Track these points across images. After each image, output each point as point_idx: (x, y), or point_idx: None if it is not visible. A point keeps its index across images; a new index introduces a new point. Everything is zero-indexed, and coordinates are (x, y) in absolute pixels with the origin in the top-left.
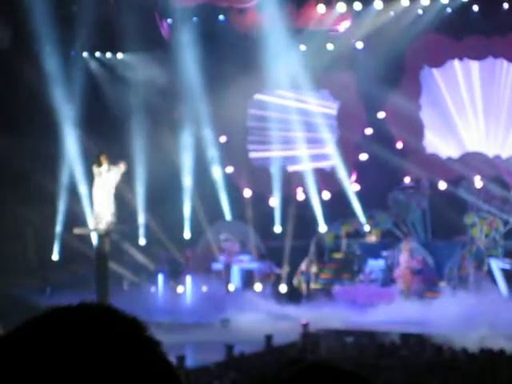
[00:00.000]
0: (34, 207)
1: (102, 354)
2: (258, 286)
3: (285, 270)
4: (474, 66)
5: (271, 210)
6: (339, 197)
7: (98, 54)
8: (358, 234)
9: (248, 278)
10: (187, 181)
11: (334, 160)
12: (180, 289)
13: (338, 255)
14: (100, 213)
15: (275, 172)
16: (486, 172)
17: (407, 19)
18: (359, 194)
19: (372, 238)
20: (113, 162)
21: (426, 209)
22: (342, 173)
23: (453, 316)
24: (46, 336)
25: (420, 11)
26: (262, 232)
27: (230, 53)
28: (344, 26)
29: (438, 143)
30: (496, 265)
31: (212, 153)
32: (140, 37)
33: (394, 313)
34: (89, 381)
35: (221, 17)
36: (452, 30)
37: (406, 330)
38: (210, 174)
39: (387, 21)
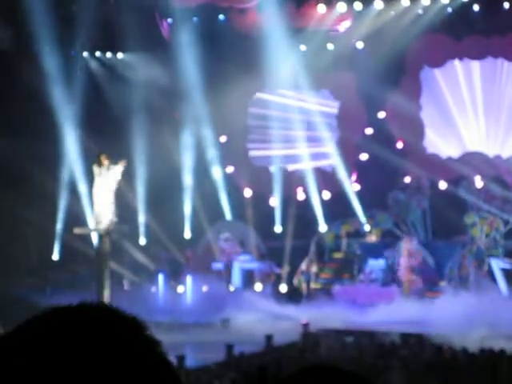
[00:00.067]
0: (34, 207)
1: (101, 353)
2: (258, 286)
3: (285, 270)
4: (475, 65)
5: (271, 209)
6: (339, 197)
7: (98, 53)
8: (359, 233)
9: (248, 278)
10: (188, 180)
11: (335, 160)
12: (180, 288)
13: (338, 255)
14: (100, 212)
15: (275, 172)
16: (486, 172)
17: (407, 19)
18: (359, 194)
19: (372, 238)
20: (113, 161)
21: (426, 209)
22: (342, 173)
23: (453, 316)
24: (46, 336)
25: (420, 11)
26: (263, 232)
27: (231, 53)
28: (344, 25)
29: (439, 143)
30: (496, 264)
31: (212, 153)
32: (140, 37)
33: (394, 313)
34: (89, 381)
35: (221, 17)
36: (452, 29)
37: (405, 330)
38: (211, 174)
39: (387, 21)
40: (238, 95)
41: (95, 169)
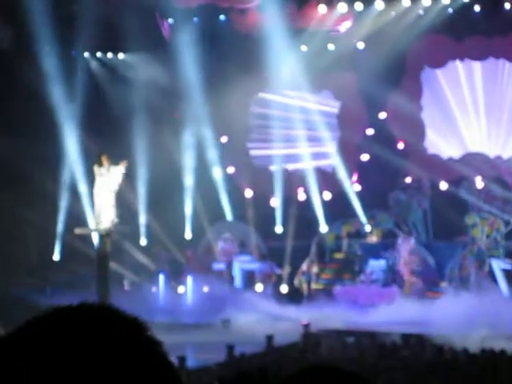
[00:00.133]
0: (34, 207)
1: (102, 354)
2: (259, 287)
3: (286, 271)
4: (477, 66)
5: (272, 210)
6: (340, 197)
7: (99, 54)
8: (359, 234)
9: (249, 279)
10: (188, 181)
11: (335, 160)
12: (181, 289)
13: (338, 255)
14: (101, 213)
15: (276, 172)
16: (487, 172)
17: (408, 19)
18: (360, 195)
19: (373, 239)
20: (114, 162)
21: (427, 209)
22: (343, 173)
23: (454, 316)
24: (47, 336)
25: (421, 12)
26: (263, 232)
27: (231, 53)
28: (345, 26)
29: (440, 143)
30: (497, 265)
31: (213, 153)
32: (141, 37)
33: (395, 313)
34: (90, 381)
35: (222, 17)
36: (453, 30)
37: (406, 331)
38: (211, 174)
39: (388, 21)
40: (238, 96)
41: (96, 169)
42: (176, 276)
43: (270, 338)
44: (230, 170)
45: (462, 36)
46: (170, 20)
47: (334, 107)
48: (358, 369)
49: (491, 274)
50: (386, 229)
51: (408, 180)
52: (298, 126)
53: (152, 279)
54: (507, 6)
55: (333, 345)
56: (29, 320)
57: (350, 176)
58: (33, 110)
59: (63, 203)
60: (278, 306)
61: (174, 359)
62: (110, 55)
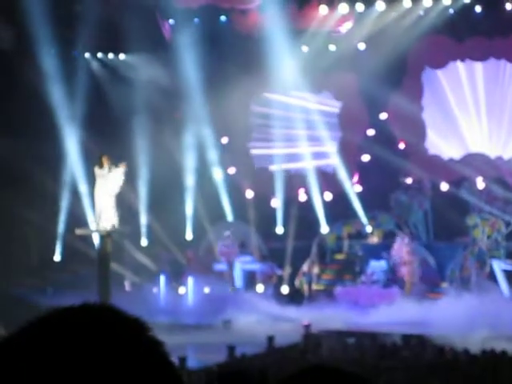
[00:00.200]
0: (35, 207)
1: (104, 354)
2: (259, 287)
3: (287, 271)
4: (478, 66)
5: (273, 210)
6: (341, 198)
7: (99, 54)
8: (360, 234)
9: (250, 279)
10: (189, 181)
11: (336, 161)
12: (182, 290)
13: (339, 256)
14: (102, 213)
15: (277, 173)
16: (487, 173)
17: (409, 20)
18: (361, 195)
19: (374, 239)
20: (115, 162)
21: (427, 210)
22: (343, 174)
23: (454, 317)
24: (49, 337)
25: (422, 12)
26: (264, 233)
27: (232, 54)
28: (346, 27)
29: (441, 144)
30: (498, 266)
31: (214, 154)
32: (142, 37)
33: (396, 314)
34: (92, 381)
35: (222, 18)
36: (454, 31)
37: (407, 331)
38: (212, 175)
39: (389, 22)
40: (239, 96)
41: (96, 170)
42: (177, 277)
43: (270, 339)
44: (231, 170)
45: (462, 37)
46: (171, 20)
47: (334, 107)
48: (359, 369)
49: (492, 275)
50: (386, 230)
51: (409, 181)
52: (299, 126)
53: (153, 280)
54: (508, 6)
55: (333, 345)
56: (30, 320)
57: (351, 177)
58: (33, 110)
59: (64, 203)
60: (278, 307)
61: (174, 360)
62: (110, 56)
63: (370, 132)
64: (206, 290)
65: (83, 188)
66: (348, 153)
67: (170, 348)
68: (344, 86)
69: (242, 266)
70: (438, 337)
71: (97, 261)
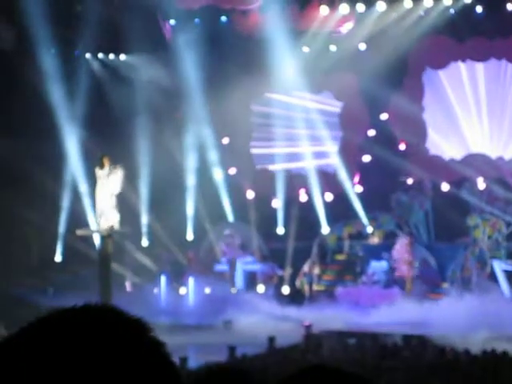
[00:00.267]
0: (35, 208)
1: (106, 355)
2: (260, 288)
3: (287, 272)
4: (479, 67)
5: (274, 211)
6: (342, 198)
7: (100, 55)
8: (361, 235)
9: (251, 280)
10: (190, 182)
11: (337, 161)
12: (182, 290)
13: (340, 257)
14: (103, 214)
15: (278, 173)
16: (488, 173)
17: (410, 21)
18: (362, 196)
19: (375, 240)
20: (115, 163)
21: (428, 210)
22: (344, 174)
23: (455, 317)
24: (50, 337)
25: (422, 13)
26: (265, 233)
27: (233, 54)
28: (347, 27)
29: (442, 144)
30: (499, 266)
31: (214, 154)
32: (143, 38)
33: (397, 314)
34: (93, 382)
35: (223, 18)
36: (455, 31)
37: (408, 332)
38: (213, 175)
39: (390, 22)
40: (240, 97)
41: (97, 171)
42: (177, 277)
43: (271, 339)
44: (232, 170)
45: (463, 37)
46: (172, 21)
47: (336, 106)
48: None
49: (493, 276)
50: (387, 230)
51: (410, 181)
52: (300, 125)
53: (153, 280)
54: (509, 6)
55: (334, 346)
56: (31, 321)
57: (352, 177)
58: (33, 110)
59: (64, 204)
60: (279, 307)
61: (176, 360)
62: (111, 56)
63: (371, 132)
64: (207, 290)
65: (84, 188)
66: (349, 153)
67: (170, 348)
68: (345, 86)
69: (242, 266)
70: (438, 337)
71: (97, 261)
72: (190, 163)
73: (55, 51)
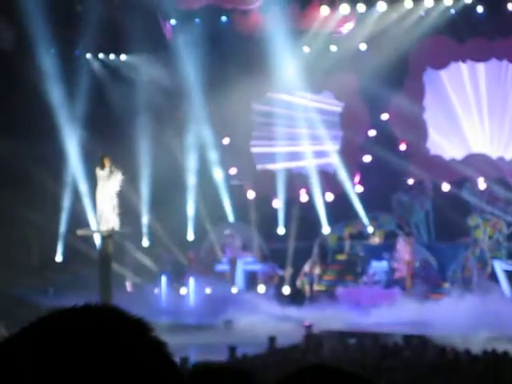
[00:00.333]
0: (35, 208)
1: (107, 355)
2: (261, 288)
3: (288, 272)
4: (480, 67)
5: (274, 211)
6: (342, 198)
7: (101, 55)
8: (362, 235)
9: (251, 280)
10: (191, 182)
11: (338, 162)
12: (183, 290)
13: (341, 257)
14: (103, 214)
15: (279, 173)
16: (489, 173)
17: (410, 21)
18: (362, 196)
19: (375, 240)
20: (116, 163)
21: (429, 210)
22: (345, 174)
23: (456, 317)
24: (51, 337)
25: (423, 13)
26: (266, 233)
27: (233, 54)
28: (347, 27)
29: (442, 144)
30: (499, 266)
31: (215, 154)
32: (143, 38)
33: (397, 314)
34: (95, 382)
35: (223, 18)
36: (455, 31)
37: (408, 332)
38: (214, 175)
39: (390, 22)
40: (240, 97)
41: (98, 171)
42: (178, 277)
43: (272, 339)
44: (232, 171)
45: (464, 37)
46: (172, 21)
47: (336, 106)
48: (360, 370)
49: (493, 276)
50: (388, 230)
51: (410, 181)
52: (301, 124)
53: (154, 280)
54: (510, 7)
55: (335, 346)
56: (32, 321)
57: (352, 177)
58: (34, 110)
59: (65, 204)
60: (280, 308)
61: (176, 360)
62: (112, 56)
63: (372, 133)
64: (208, 290)
65: (84, 188)
66: (349, 153)
67: (171, 348)
68: (345, 86)
69: (243, 266)
70: (439, 337)
71: (98, 261)
72: (191, 163)
73: (55, 51)
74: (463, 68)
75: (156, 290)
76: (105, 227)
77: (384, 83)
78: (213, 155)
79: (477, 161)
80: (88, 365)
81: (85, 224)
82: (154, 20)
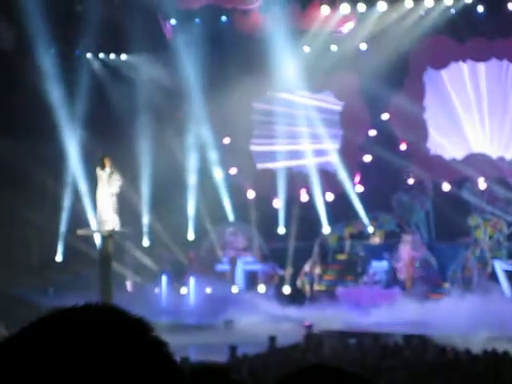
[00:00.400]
0: (35, 208)
1: (108, 354)
2: (261, 288)
3: (288, 272)
4: (480, 67)
5: (275, 211)
6: (343, 198)
7: (101, 55)
8: (362, 235)
9: (251, 280)
10: (191, 181)
11: (338, 161)
12: (183, 290)
13: (341, 257)
14: (103, 214)
15: (279, 173)
16: (489, 173)
17: (411, 21)
18: (363, 196)
19: (376, 240)
20: (116, 163)
21: (429, 210)
22: (345, 174)
23: (456, 317)
24: (51, 337)
25: (423, 13)
26: (266, 233)
27: (233, 54)
28: (348, 27)
29: (443, 144)
30: (500, 266)
31: (215, 154)
32: (143, 38)
33: (397, 314)
34: (96, 381)
35: (224, 18)
36: (456, 31)
37: (408, 332)
38: (214, 175)
39: (391, 22)
40: (240, 96)
41: (98, 171)
42: (178, 277)
43: (272, 339)
44: (233, 170)
45: (464, 37)
46: (173, 21)
47: (337, 105)
48: (360, 370)
49: (494, 276)
50: (388, 230)
51: (410, 181)
52: (301, 123)
53: (154, 280)
54: (510, 6)
55: (335, 346)
56: (33, 321)
57: (353, 177)
58: (34, 110)
59: (65, 204)
60: (280, 307)
61: (177, 360)
62: (112, 56)
63: (372, 132)
64: (208, 290)
65: (84, 188)
66: (349, 153)
67: (171, 348)
68: (345, 86)
69: (243, 266)
70: (439, 337)
71: (98, 261)
72: (191, 163)
73: (55, 51)
74: (463, 68)
75: (156, 290)
76: (105, 227)
77: (384, 83)
78: (213, 155)
79: (477, 161)
80: (89, 365)
81: (85, 224)
82: (154, 20)
